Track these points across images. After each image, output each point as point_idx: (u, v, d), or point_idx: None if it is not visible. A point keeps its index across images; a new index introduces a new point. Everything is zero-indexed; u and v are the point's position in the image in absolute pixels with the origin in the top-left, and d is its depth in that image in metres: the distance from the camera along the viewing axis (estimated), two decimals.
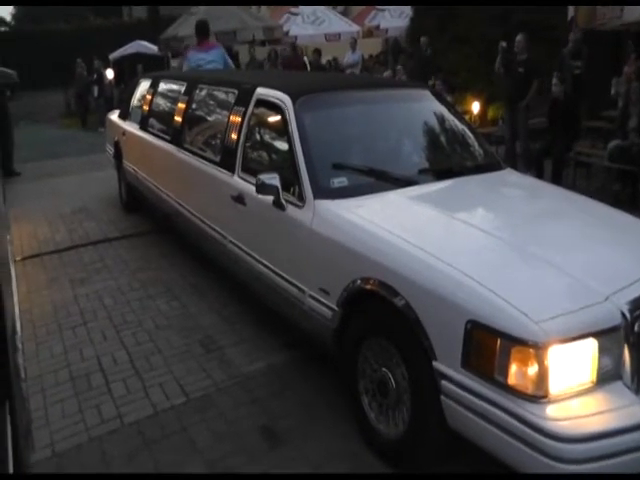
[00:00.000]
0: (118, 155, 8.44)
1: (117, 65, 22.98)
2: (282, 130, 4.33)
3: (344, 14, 22.44)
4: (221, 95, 5.65)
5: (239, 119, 4.92)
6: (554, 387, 2.58)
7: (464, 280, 2.86)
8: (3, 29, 47.50)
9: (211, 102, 5.92)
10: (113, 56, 24.11)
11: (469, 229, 3.44)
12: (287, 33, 18.04)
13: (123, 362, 4.62)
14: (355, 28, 19.69)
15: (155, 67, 18.85)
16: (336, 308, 3.56)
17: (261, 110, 4.79)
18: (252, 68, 15.36)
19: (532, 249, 3.19)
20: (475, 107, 11.62)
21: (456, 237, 3.40)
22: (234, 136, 4.91)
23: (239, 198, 4.61)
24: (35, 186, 10.81)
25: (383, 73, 14.31)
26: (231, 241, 4.86)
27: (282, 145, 4.33)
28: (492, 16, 12.57)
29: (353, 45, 17.36)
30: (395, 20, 19.68)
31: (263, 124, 4.81)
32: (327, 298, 3.65)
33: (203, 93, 6.06)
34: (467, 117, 10.90)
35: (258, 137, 4.83)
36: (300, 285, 3.92)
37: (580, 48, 10.67)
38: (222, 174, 4.97)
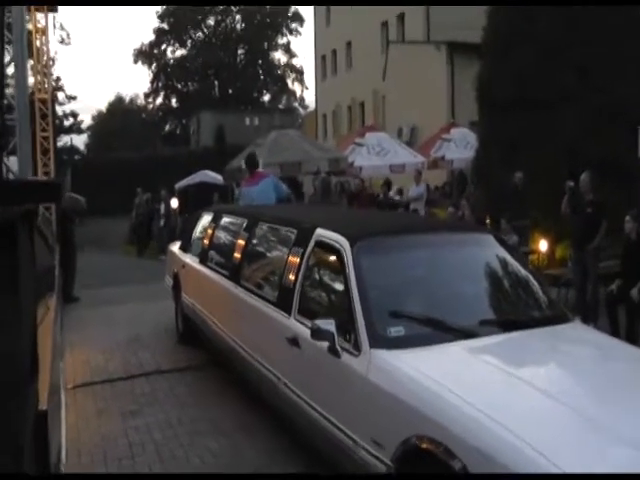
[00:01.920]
0: (177, 287, 8.52)
1: (182, 194, 23.55)
2: (340, 273, 4.31)
3: (409, 144, 22.59)
4: (281, 234, 5.70)
5: (297, 259, 4.92)
6: None
7: (526, 450, 2.71)
8: (77, 157, 49.88)
9: (270, 240, 5.98)
10: (179, 185, 24.81)
11: (532, 392, 3.29)
12: (352, 164, 18.16)
13: None
14: (420, 159, 19.46)
15: (220, 196, 19.46)
16: (390, 464, 3.38)
17: (320, 251, 4.78)
18: (318, 199, 15.28)
19: (600, 419, 3.00)
20: (543, 246, 11.23)
21: (518, 400, 3.25)
22: (292, 277, 4.90)
23: (294, 341, 4.54)
24: (92, 313, 10.82)
25: (447, 208, 14.10)
26: (284, 383, 4.75)
27: (339, 288, 4.30)
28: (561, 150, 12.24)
29: (417, 179, 17.34)
30: (460, 151, 19.40)
31: (321, 266, 4.80)
32: (380, 452, 3.48)
33: (263, 230, 6.14)
34: (535, 257, 10.66)
35: (316, 279, 4.82)
36: (352, 435, 3.76)
37: None
38: (278, 315, 4.93)
